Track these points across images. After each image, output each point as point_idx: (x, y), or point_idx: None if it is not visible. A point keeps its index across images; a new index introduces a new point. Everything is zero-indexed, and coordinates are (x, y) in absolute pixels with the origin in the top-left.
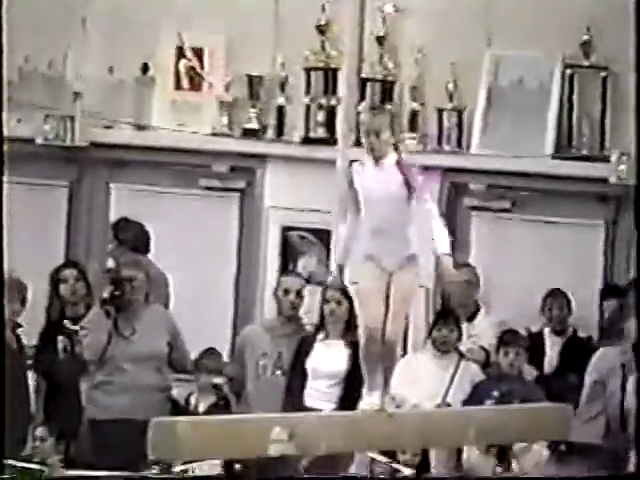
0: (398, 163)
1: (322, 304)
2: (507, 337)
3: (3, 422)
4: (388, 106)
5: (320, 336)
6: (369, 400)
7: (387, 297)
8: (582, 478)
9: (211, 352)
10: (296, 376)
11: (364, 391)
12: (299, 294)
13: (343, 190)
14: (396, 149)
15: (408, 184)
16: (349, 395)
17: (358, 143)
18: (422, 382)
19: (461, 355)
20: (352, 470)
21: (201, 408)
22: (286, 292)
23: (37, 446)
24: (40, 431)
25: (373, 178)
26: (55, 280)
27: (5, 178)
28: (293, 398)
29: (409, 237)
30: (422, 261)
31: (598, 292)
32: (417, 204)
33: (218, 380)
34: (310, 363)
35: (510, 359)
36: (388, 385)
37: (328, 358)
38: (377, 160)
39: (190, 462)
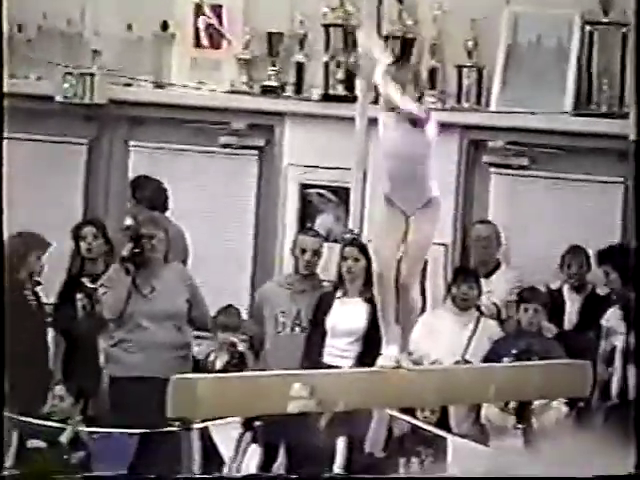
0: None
1: (340, 261)
2: (526, 294)
3: (2, 418)
4: (415, 64)
5: (339, 294)
6: (387, 354)
7: (403, 242)
8: (581, 478)
9: (230, 309)
10: (315, 333)
11: (382, 345)
12: (316, 253)
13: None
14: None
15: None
16: (368, 353)
17: (377, 100)
18: (442, 339)
19: (481, 312)
20: (371, 427)
21: (218, 365)
22: (303, 251)
23: (56, 404)
24: (58, 390)
25: (397, 119)
26: (75, 237)
27: (25, 135)
28: (312, 355)
29: (428, 183)
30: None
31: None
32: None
33: (233, 337)
34: (329, 321)
35: (529, 316)
36: (406, 340)
37: (347, 315)
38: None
39: (209, 420)
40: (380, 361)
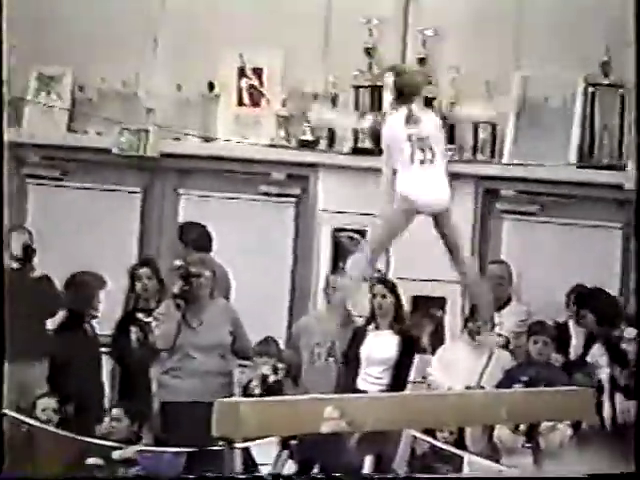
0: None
1: (371, 298)
2: (535, 327)
3: (2, 424)
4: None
5: (371, 327)
6: None
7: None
8: (581, 478)
9: (268, 340)
10: (350, 362)
11: None
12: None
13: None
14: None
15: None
16: (397, 379)
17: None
18: (459, 368)
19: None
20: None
21: (257, 390)
22: (334, 289)
23: (114, 426)
24: (115, 412)
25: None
26: (132, 276)
27: (86, 184)
28: (348, 382)
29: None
30: None
31: (617, 287)
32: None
33: (267, 370)
34: (364, 351)
35: (539, 347)
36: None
37: (380, 346)
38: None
39: (250, 439)
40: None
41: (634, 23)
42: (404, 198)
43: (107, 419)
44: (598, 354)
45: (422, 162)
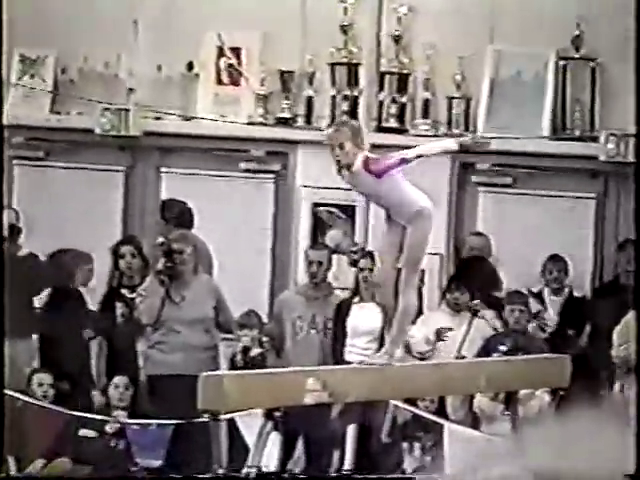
0: (364, 162)
1: (357, 272)
2: (512, 297)
3: (3, 422)
4: (352, 122)
5: (355, 299)
6: (382, 354)
7: (401, 252)
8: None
9: (250, 313)
10: (337, 335)
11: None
12: (321, 264)
13: None
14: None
15: (373, 173)
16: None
17: (379, 129)
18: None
19: (474, 313)
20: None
21: (241, 363)
22: (311, 262)
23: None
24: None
25: (352, 183)
26: (115, 254)
27: (68, 164)
28: (335, 354)
29: (411, 200)
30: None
31: (591, 256)
32: (386, 182)
33: (249, 342)
34: (349, 323)
35: (515, 316)
36: (401, 341)
37: (364, 318)
38: (348, 169)
39: (235, 411)
40: (374, 359)
41: (634, 23)
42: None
43: (97, 392)
44: None
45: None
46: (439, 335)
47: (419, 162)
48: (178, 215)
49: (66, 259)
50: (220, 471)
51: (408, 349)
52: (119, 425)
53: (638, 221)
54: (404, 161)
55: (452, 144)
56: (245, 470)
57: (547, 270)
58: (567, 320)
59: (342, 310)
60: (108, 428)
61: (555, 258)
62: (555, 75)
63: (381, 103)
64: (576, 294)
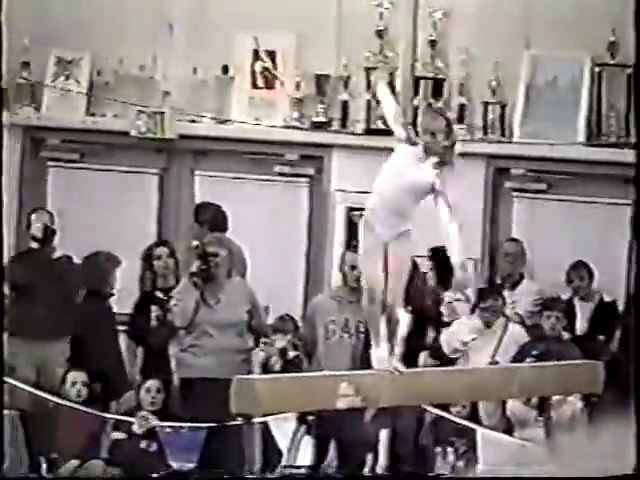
0: (438, 169)
1: None
2: (549, 303)
3: (2, 419)
4: (449, 113)
5: None
6: (379, 356)
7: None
8: (580, 478)
9: (284, 317)
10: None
11: (372, 349)
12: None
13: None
14: (443, 162)
15: (436, 192)
16: (410, 354)
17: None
18: (474, 344)
19: (507, 319)
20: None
21: (276, 367)
22: (353, 267)
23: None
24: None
25: (411, 164)
26: (149, 256)
27: (104, 166)
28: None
29: (407, 222)
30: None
31: (625, 263)
32: (438, 203)
33: (285, 344)
34: None
35: (552, 322)
36: (394, 345)
37: None
38: (426, 154)
39: (268, 415)
40: (375, 364)
41: (634, 23)
42: None
43: (129, 395)
44: None
45: None
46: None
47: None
48: (212, 218)
49: (100, 262)
50: (252, 475)
51: (437, 354)
52: (148, 426)
53: (637, 223)
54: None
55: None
56: (278, 472)
57: (570, 278)
58: (598, 326)
59: None
60: (135, 428)
61: (577, 265)
62: (590, 81)
63: (416, 108)
64: (607, 299)
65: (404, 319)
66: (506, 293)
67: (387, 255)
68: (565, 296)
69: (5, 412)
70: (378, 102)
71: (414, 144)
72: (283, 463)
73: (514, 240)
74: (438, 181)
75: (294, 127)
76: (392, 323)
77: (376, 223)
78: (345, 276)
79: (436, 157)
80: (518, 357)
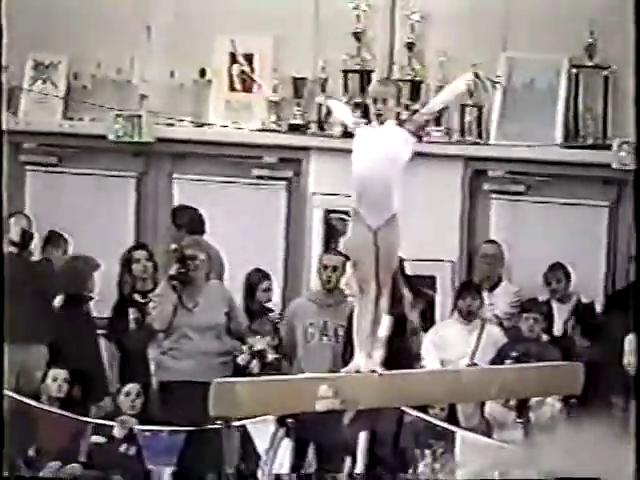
0: (399, 125)
1: None
2: (527, 304)
3: (2, 422)
4: (397, 81)
5: None
6: (358, 361)
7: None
8: (580, 479)
9: (263, 320)
10: (349, 342)
11: (356, 352)
12: (336, 269)
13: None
14: (397, 117)
15: (411, 131)
16: (391, 357)
17: None
18: (451, 346)
19: (484, 321)
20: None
21: (255, 370)
22: (325, 267)
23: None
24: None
25: (375, 138)
26: (127, 259)
27: (81, 170)
28: (347, 361)
29: (392, 199)
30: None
31: (604, 264)
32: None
33: (263, 346)
34: None
35: (530, 324)
36: (374, 348)
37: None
38: (381, 123)
39: (247, 418)
40: (350, 366)
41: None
42: None
43: (108, 399)
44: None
45: None
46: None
47: (430, 168)
48: (189, 221)
49: (80, 265)
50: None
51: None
52: (127, 430)
53: (638, 227)
54: (433, 114)
55: (461, 85)
56: (259, 476)
57: (548, 279)
58: (576, 327)
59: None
60: (116, 432)
61: (555, 267)
62: (568, 83)
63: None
64: (585, 300)
65: (384, 321)
66: (484, 295)
67: (377, 244)
68: (543, 298)
69: None
70: (329, 113)
71: (369, 121)
72: (261, 466)
73: (492, 242)
74: (404, 133)
75: (272, 130)
76: (376, 319)
77: (364, 211)
78: (322, 278)
79: (393, 121)
80: (497, 359)
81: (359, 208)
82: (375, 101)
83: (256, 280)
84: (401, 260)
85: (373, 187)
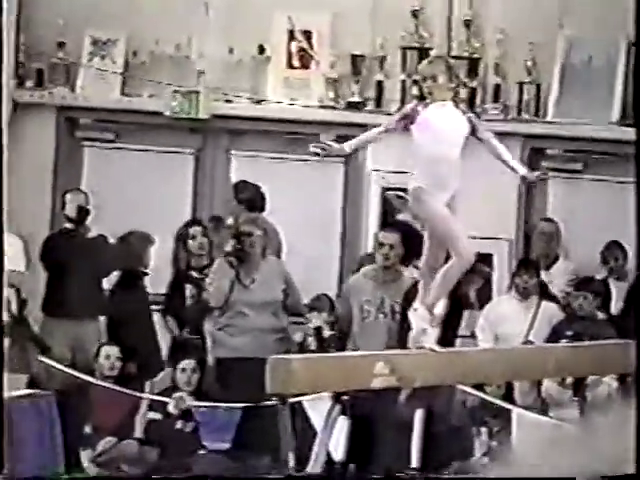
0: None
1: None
2: (582, 283)
3: (2, 416)
4: (447, 57)
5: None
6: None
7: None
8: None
9: (321, 297)
10: (404, 319)
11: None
12: (392, 247)
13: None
14: (455, 94)
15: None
16: (447, 334)
17: None
18: (507, 322)
19: (541, 298)
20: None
21: (312, 346)
22: (382, 245)
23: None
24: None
25: (438, 115)
26: (184, 235)
27: (138, 146)
28: (403, 338)
29: (456, 176)
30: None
31: None
32: (479, 133)
33: (320, 322)
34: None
35: (583, 302)
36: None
37: None
38: (434, 101)
39: (302, 394)
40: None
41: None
42: None
43: (164, 374)
44: None
45: None
46: None
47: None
48: (251, 198)
49: (135, 241)
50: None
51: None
52: (183, 407)
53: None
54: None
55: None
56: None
57: (605, 258)
58: (633, 306)
59: (411, 294)
60: (171, 408)
61: (611, 246)
62: (626, 61)
63: None
64: None
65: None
66: (541, 273)
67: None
68: (600, 276)
69: (40, 392)
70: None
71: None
72: (317, 443)
73: (549, 220)
74: (466, 116)
75: (329, 107)
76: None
77: (431, 189)
78: (379, 256)
79: (447, 101)
80: (553, 337)
81: (431, 189)
82: (425, 79)
83: None
84: None
85: (439, 165)
